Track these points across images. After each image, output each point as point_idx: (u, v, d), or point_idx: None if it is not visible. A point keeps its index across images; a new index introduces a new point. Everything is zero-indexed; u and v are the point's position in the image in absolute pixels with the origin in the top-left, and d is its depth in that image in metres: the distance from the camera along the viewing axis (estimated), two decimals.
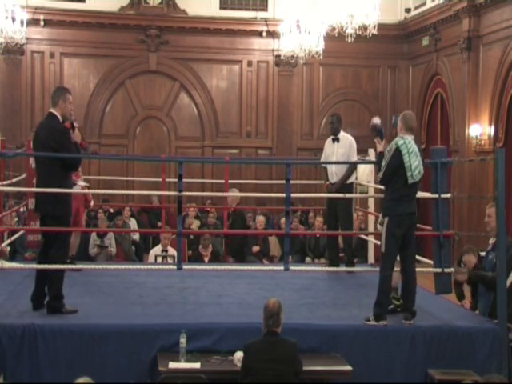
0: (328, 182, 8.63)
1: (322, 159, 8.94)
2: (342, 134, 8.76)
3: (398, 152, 6.11)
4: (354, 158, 8.67)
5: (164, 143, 17.11)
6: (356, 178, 8.87)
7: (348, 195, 8.30)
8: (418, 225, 6.97)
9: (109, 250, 10.93)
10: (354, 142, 8.73)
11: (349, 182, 8.57)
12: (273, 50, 16.99)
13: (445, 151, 6.88)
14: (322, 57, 14.46)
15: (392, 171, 6.15)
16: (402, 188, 6.15)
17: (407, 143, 6.12)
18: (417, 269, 6.81)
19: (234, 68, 17.26)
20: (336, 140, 8.70)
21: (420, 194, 7.00)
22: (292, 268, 7.40)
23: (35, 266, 6.63)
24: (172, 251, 9.82)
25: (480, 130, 13.74)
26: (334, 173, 8.56)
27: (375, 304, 6.24)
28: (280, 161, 8.35)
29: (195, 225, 13.14)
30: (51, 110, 6.62)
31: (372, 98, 17.60)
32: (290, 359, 5.32)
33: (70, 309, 6.34)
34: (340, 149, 8.63)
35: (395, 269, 6.54)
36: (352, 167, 8.53)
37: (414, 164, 6.08)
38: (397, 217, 6.17)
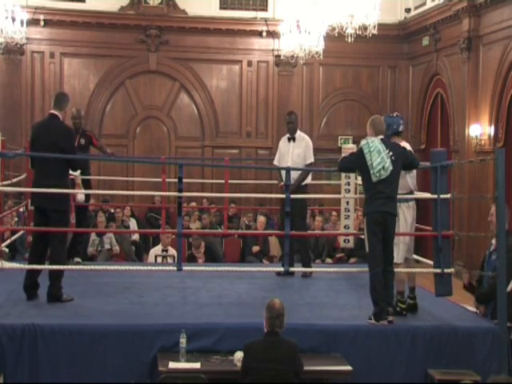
0: (282, 183, 8.12)
1: (276, 159, 8.68)
2: (299, 134, 8.55)
3: (360, 152, 6.29)
4: (311, 158, 8.46)
5: (164, 143, 17.12)
6: (311, 180, 8.61)
7: (302, 196, 8.00)
8: (418, 225, 7.01)
9: (113, 249, 10.88)
10: (310, 142, 8.55)
11: (304, 183, 8.31)
12: (273, 50, 16.99)
13: (444, 153, 6.86)
14: (321, 57, 14.46)
15: (349, 166, 6.60)
16: (371, 187, 6.25)
17: (369, 143, 6.26)
18: (417, 269, 6.86)
19: (234, 68, 17.27)
20: (292, 139, 8.50)
21: (420, 195, 7.02)
22: (291, 268, 7.42)
23: (35, 266, 6.65)
24: (172, 251, 9.84)
25: (480, 130, 13.74)
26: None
27: (372, 304, 6.26)
28: (280, 167, 8.31)
29: (195, 226, 13.16)
30: (54, 112, 6.76)
31: (372, 98, 17.61)
32: (291, 359, 5.31)
33: (67, 298, 6.73)
34: (296, 149, 8.41)
35: (400, 270, 6.56)
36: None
37: (376, 162, 6.16)
38: (371, 214, 6.24)
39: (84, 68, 16.83)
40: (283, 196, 7.26)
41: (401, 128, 6.78)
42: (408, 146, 6.71)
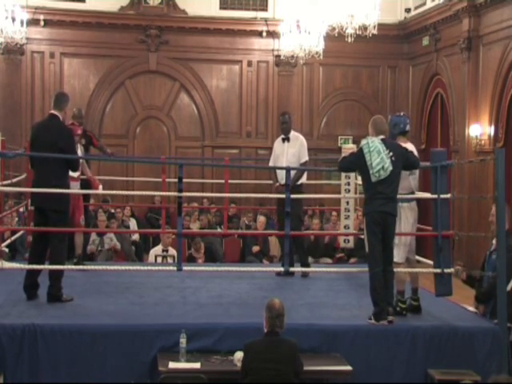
0: (278, 184, 8.28)
1: (271, 160, 8.68)
2: (293, 134, 8.55)
3: (360, 151, 6.30)
4: (305, 157, 8.46)
5: (164, 143, 17.12)
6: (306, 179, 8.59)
7: (297, 196, 7.80)
8: (418, 225, 7.00)
9: (113, 243, 10.85)
10: (304, 141, 8.56)
11: (299, 183, 8.28)
12: (273, 50, 16.99)
13: (444, 153, 6.86)
14: (321, 57, 14.46)
15: (349, 166, 6.67)
16: (371, 187, 6.26)
17: (370, 143, 6.27)
18: (418, 269, 6.86)
19: (234, 68, 17.27)
20: (286, 139, 8.49)
21: (420, 195, 7.02)
22: (291, 268, 7.41)
23: (35, 266, 6.65)
24: (172, 251, 9.84)
25: (480, 130, 13.75)
26: (284, 174, 8.01)
27: (372, 304, 6.26)
28: (280, 167, 8.30)
29: (195, 226, 13.14)
30: (54, 112, 6.78)
31: (372, 98, 17.61)
32: (291, 359, 5.31)
33: (67, 298, 6.73)
34: (290, 148, 8.41)
35: (400, 270, 6.56)
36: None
37: (375, 162, 6.17)
38: (371, 214, 6.26)
39: (84, 68, 16.83)
40: (280, 196, 7.27)
41: (407, 128, 6.78)
42: (412, 147, 6.71)
